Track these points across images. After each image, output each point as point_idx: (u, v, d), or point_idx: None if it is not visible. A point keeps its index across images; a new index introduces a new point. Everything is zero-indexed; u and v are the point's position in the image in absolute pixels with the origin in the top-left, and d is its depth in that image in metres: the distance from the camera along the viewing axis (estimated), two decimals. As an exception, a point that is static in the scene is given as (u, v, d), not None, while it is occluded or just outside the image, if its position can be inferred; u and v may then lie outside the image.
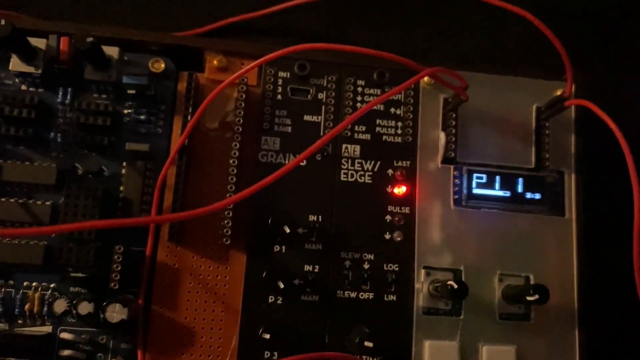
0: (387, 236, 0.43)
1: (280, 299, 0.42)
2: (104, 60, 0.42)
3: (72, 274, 0.41)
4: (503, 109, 0.46)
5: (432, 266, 0.43)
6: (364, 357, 0.41)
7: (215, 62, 0.44)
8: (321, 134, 0.44)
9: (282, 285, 0.41)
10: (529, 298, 0.40)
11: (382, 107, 0.45)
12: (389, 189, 0.44)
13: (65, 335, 0.40)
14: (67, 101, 0.43)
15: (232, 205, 0.41)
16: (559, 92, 0.45)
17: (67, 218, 0.40)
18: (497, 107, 0.46)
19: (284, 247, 0.42)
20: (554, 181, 0.45)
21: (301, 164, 0.43)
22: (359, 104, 0.45)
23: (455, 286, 0.39)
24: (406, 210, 0.44)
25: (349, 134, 0.45)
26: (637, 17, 0.57)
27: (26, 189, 0.41)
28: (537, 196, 0.45)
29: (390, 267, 0.43)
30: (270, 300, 0.42)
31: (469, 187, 0.44)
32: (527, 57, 0.54)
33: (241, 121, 0.43)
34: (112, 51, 0.43)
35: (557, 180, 0.45)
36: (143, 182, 0.42)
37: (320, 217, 0.43)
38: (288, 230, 0.42)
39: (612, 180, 0.46)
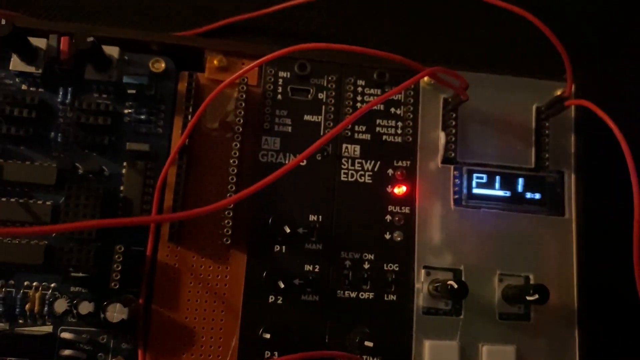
0: (387, 236, 0.43)
1: (281, 298, 0.42)
2: (105, 60, 0.42)
3: (73, 274, 0.41)
4: (503, 108, 0.46)
5: (432, 266, 0.43)
6: (364, 356, 0.41)
7: (215, 62, 0.44)
8: (321, 133, 0.44)
9: (282, 285, 0.41)
10: (528, 298, 0.40)
11: (382, 107, 0.45)
12: (389, 189, 0.44)
13: (65, 335, 0.40)
14: (67, 101, 0.43)
15: (232, 205, 0.41)
16: (558, 92, 0.45)
17: (68, 218, 0.40)
18: (497, 107, 0.46)
19: (284, 247, 0.42)
20: (553, 181, 0.45)
21: (301, 163, 0.43)
22: (359, 104, 0.45)
23: (455, 286, 0.39)
24: (406, 210, 0.44)
25: (349, 134, 0.45)
26: (637, 17, 0.57)
27: (27, 188, 0.41)
28: (537, 196, 0.45)
29: (391, 267, 0.43)
30: (270, 300, 0.42)
31: (469, 187, 0.44)
32: (527, 57, 0.54)
33: (241, 121, 0.43)
34: (112, 51, 0.43)
35: (557, 180, 0.45)
36: (143, 182, 0.42)
37: (320, 217, 0.43)
38: (288, 230, 0.42)
39: (612, 180, 0.46)
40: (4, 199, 0.41)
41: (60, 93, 0.43)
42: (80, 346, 0.40)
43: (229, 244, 0.41)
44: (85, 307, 0.39)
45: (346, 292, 0.42)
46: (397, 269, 0.43)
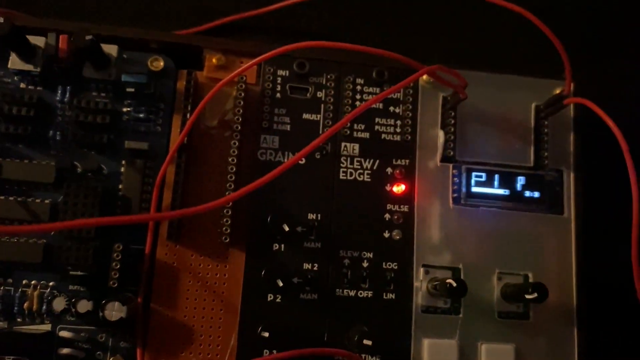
0: (386, 235, 0.43)
1: (280, 297, 0.42)
2: (103, 58, 0.42)
3: (72, 272, 0.41)
4: (502, 107, 0.46)
5: (431, 265, 0.43)
6: (363, 355, 0.41)
7: (214, 60, 0.44)
8: (320, 132, 0.44)
9: (281, 284, 0.41)
10: (527, 296, 0.40)
11: (381, 106, 0.45)
12: (388, 188, 0.44)
13: (64, 334, 0.40)
14: (66, 99, 0.43)
15: (231, 204, 0.41)
16: (558, 91, 0.45)
17: (67, 216, 0.40)
18: (496, 105, 0.46)
19: (283, 245, 0.42)
20: (553, 180, 0.45)
21: (300, 162, 0.43)
22: (358, 103, 0.45)
23: (454, 284, 0.40)
24: (405, 208, 0.44)
25: (348, 132, 0.45)
26: (636, 15, 0.57)
27: (25, 187, 0.41)
28: (536, 195, 0.45)
29: (389, 265, 0.43)
30: (269, 299, 0.42)
31: (468, 186, 0.44)
32: (526, 56, 0.54)
33: (240, 119, 0.43)
34: (111, 49, 0.43)
35: (556, 179, 0.45)
36: (142, 180, 0.42)
37: (319, 215, 0.43)
38: (287, 229, 0.42)
39: (611, 178, 0.45)
40: (2, 198, 0.41)
41: (59, 91, 0.43)
42: (78, 345, 0.40)
43: (227, 243, 0.41)
44: (84, 306, 0.39)
45: (345, 290, 0.42)
46: (396, 267, 0.43)
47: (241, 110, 0.43)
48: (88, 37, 0.40)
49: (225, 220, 0.41)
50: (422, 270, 0.43)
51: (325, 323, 0.42)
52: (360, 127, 0.45)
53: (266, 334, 0.40)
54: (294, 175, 0.43)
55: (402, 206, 0.44)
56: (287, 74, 0.45)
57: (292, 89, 0.45)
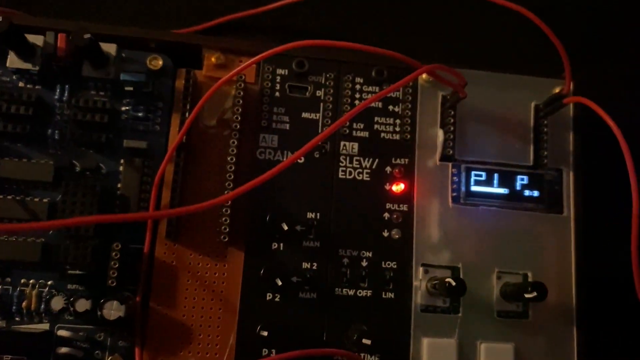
0: (385, 234, 0.43)
1: (278, 296, 0.42)
2: (102, 57, 0.42)
3: (70, 272, 0.41)
4: (501, 106, 0.46)
5: (430, 264, 0.43)
6: (363, 354, 0.41)
7: (213, 59, 0.44)
8: (319, 131, 0.44)
9: (280, 283, 0.41)
10: (527, 295, 0.40)
11: (380, 105, 0.45)
12: (387, 187, 0.44)
13: (62, 333, 0.40)
14: (64, 98, 0.43)
15: (229, 202, 0.41)
16: (557, 90, 0.45)
17: (65, 215, 0.40)
18: (496, 104, 0.46)
19: (282, 244, 0.42)
20: (552, 179, 0.45)
21: (299, 161, 0.43)
22: (357, 102, 0.45)
23: (454, 284, 0.39)
24: (404, 207, 0.44)
25: (347, 131, 0.44)
26: (636, 14, 0.57)
27: (23, 186, 0.41)
28: (536, 194, 0.45)
29: (389, 264, 0.43)
30: (268, 298, 0.41)
31: (467, 185, 0.44)
32: (525, 55, 0.54)
33: (239, 118, 0.43)
34: (109, 48, 0.43)
35: (556, 178, 0.45)
36: (141, 179, 0.42)
37: (318, 214, 0.43)
38: (286, 228, 0.42)
39: (610, 177, 0.45)
40: (1, 197, 0.41)
41: (58, 90, 0.43)
42: (77, 344, 0.40)
43: (226, 242, 0.41)
44: (82, 305, 0.39)
45: (344, 289, 0.42)
46: (395, 266, 0.43)
47: (240, 109, 0.43)
48: (87, 36, 0.40)
49: (224, 219, 0.41)
50: (421, 269, 0.43)
51: (324, 322, 0.42)
52: (360, 126, 0.45)
53: (265, 333, 0.40)
54: (293, 174, 0.43)
55: (401, 205, 0.44)
56: (286, 73, 0.45)
57: (291, 87, 0.45)
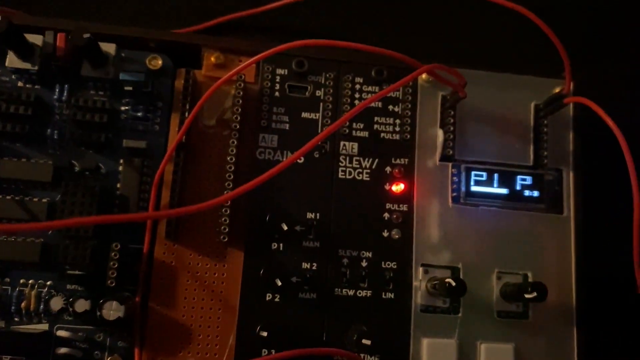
0: (385, 234, 0.43)
1: (278, 296, 0.41)
2: (101, 56, 0.42)
3: (69, 272, 0.40)
4: (501, 106, 0.46)
5: (430, 264, 0.43)
6: (362, 355, 0.41)
7: (212, 59, 0.44)
8: (319, 131, 0.44)
9: (279, 283, 0.41)
10: (527, 296, 0.40)
11: (380, 105, 0.45)
12: (387, 187, 0.44)
13: (61, 333, 0.40)
14: (63, 98, 0.43)
15: (229, 203, 0.41)
16: (557, 90, 0.45)
17: (64, 215, 0.40)
18: (496, 104, 0.46)
19: (281, 244, 0.42)
20: (552, 179, 0.45)
21: (299, 161, 0.43)
22: (357, 102, 0.45)
23: (453, 284, 0.39)
24: (404, 208, 0.44)
25: (347, 131, 0.44)
26: (636, 14, 0.57)
27: (23, 186, 0.41)
28: (536, 194, 0.45)
29: (388, 264, 0.43)
30: (267, 298, 0.41)
31: (467, 185, 0.44)
32: (525, 55, 0.54)
33: (239, 118, 0.43)
34: (109, 48, 0.43)
35: (556, 178, 0.45)
36: (140, 179, 0.42)
37: (318, 214, 0.43)
38: (286, 228, 0.42)
39: (610, 177, 0.45)
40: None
41: (57, 90, 0.43)
42: (76, 344, 0.40)
43: (226, 242, 0.41)
44: (82, 305, 0.39)
45: (344, 290, 0.42)
46: (395, 266, 0.43)
47: (240, 109, 0.43)
48: (86, 36, 0.40)
49: (223, 219, 0.41)
50: (421, 269, 0.43)
51: (324, 322, 0.42)
52: (359, 126, 0.45)
53: (264, 334, 0.40)
54: (293, 174, 0.43)
55: (401, 205, 0.44)
56: (286, 73, 0.45)
57: (291, 87, 0.45)
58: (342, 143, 0.44)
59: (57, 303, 0.40)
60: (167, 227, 0.41)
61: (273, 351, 0.40)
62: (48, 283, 0.41)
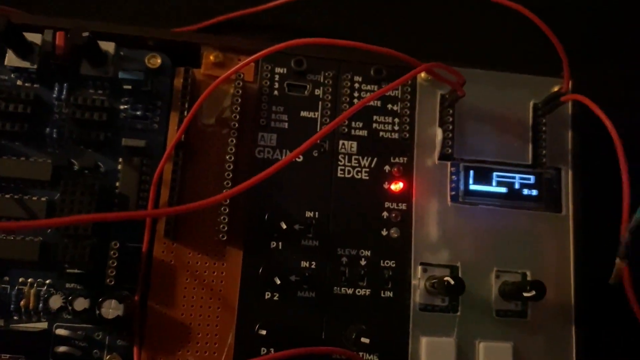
0: (384, 232, 0.43)
1: (277, 295, 0.41)
2: (100, 55, 0.42)
3: (68, 270, 0.40)
4: (500, 105, 0.46)
5: (428, 263, 0.43)
6: (361, 353, 0.41)
7: (211, 57, 0.44)
8: (318, 130, 0.44)
9: (278, 282, 0.41)
10: (525, 294, 0.40)
11: (379, 103, 0.45)
12: (385, 186, 0.44)
13: (61, 332, 0.40)
14: (63, 97, 0.43)
15: (228, 201, 0.41)
16: (556, 89, 0.45)
17: (63, 214, 0.40)
18: (494, 103, 0.46)
19: (280, 243, 0.42)
20: (551, 177, 0.45)
21: (298, 160, 0.43)
22: (356, 100, 0.45)
23: (452, 282, 0.39)
24: (403, 206, 0.44)
25: (346, 130, 0.44)
26: (636, 14, 0.57)
27: (22, 184, 0.41)
28: (534, 193, 0.45)
29: (387, 263, 0.43)
30: (266, 297, 0.41)
31: (466, 184, 0.44)
32: (524, 54, 0.54)
33: (238, 117, 0.43)
34: (108, 46, 0.43)
35: (554, 177, 0.45)
36: (139, 178, 0.42)
37: (317, 213, 0.43)
38: (285, 227, 0.42)
39: (609, 176, 0.45)
40: (-1, 195, 0.41)
41: (56, 89, 0.43)
42: (75, 343, 0.40)
43: (225, 240, 0.41)
44: (81, 304, 0.39)
45: (343, 288, 0.42)
46: (393, 265, 0.43)
47: (239, 108, 0.43)
48: (85, 34, 0.40)
49: (222, 217, 0.41)
50: (420, 268, 0.43)
51: (322, 321, 0.42)
52: (358, 124, 0.45)
53: (263, 332, 0.40)
54: (292, 172, 0.43)
55: (400, 204, 0.44)
56: (285, 72, 0.45)
57: (290, 86, 0.45)
58: (341, 142, 0.44)
59: (56, 302, 0.40)
60: (166, 225, 0.41)
61: (272, 350, 0.40)
62: (47, 282, 0.41)
